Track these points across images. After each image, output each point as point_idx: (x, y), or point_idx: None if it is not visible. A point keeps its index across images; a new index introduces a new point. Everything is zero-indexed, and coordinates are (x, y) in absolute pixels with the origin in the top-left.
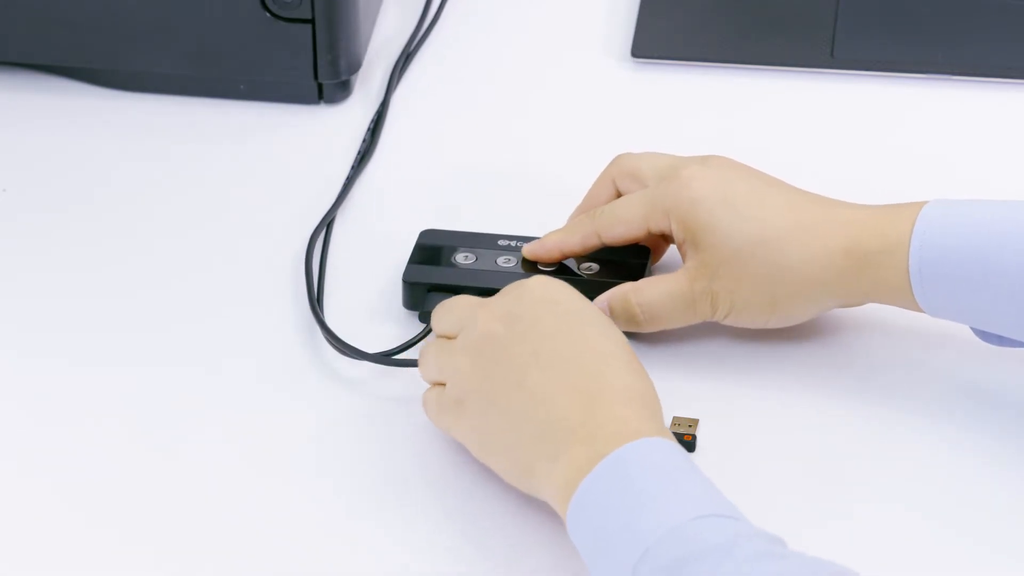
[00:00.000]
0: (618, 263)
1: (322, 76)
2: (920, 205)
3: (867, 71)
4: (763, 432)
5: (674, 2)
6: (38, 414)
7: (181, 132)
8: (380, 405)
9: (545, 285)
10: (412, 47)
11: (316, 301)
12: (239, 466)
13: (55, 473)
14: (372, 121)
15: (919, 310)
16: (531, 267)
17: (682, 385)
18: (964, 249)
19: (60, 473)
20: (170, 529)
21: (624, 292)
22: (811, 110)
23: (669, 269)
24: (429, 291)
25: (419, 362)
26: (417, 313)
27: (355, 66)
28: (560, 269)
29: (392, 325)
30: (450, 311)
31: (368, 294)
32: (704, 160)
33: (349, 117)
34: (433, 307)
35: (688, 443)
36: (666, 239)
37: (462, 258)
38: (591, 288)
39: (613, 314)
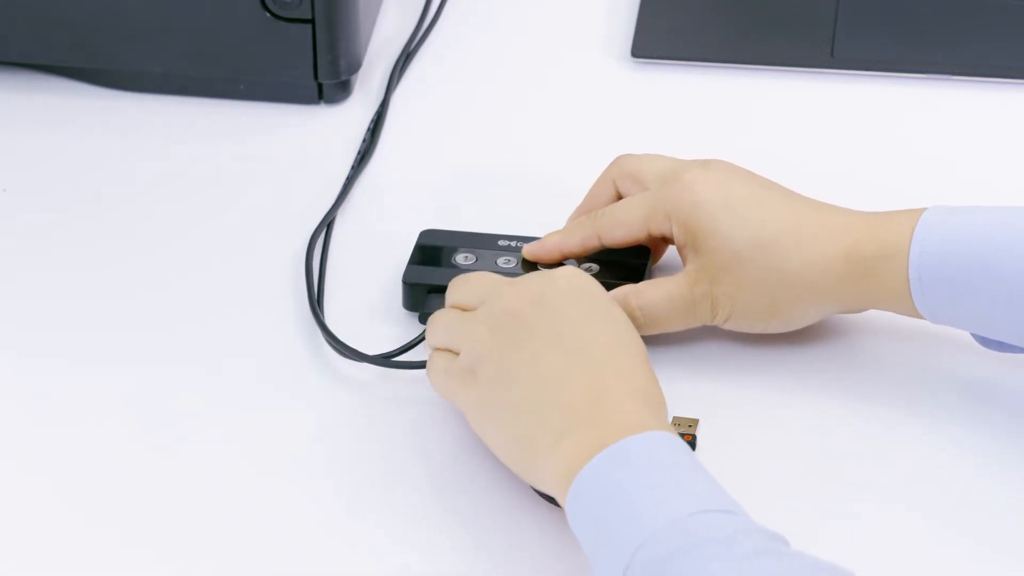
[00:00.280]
0: (618, 263)
1: (322, 76)
2: (920, 211)
3: (867, 71)
4: (763, 432)
5: (674, 2)
6: (38, 414)
7: (181, 132)
8: (380, 405)
9: (576, 275)
10: (412, 47)
11: (316, 302)
12: (239, 466)
13: (55, 473)
14: (372, 121)
15: (919, 316)
16: (531, 268)
17: (682, 385)
18: (964, 255)
19: (60, 473)
20: (170, 529)
21: (624, 294)
22: (811, 110)
23: (669, 269)
24: (429, 292)
25: (427, 328)
26: (417, 314)
27: (355, 66)
28: None
29: (392, 325)
30: (469, 283)
31: (368, 294)
32: (705, 163)
33: (349, 117)
34: (433, 309)
35: (688, 443)
36: (666, 240)
37: (462, 259)
38: None
39: None
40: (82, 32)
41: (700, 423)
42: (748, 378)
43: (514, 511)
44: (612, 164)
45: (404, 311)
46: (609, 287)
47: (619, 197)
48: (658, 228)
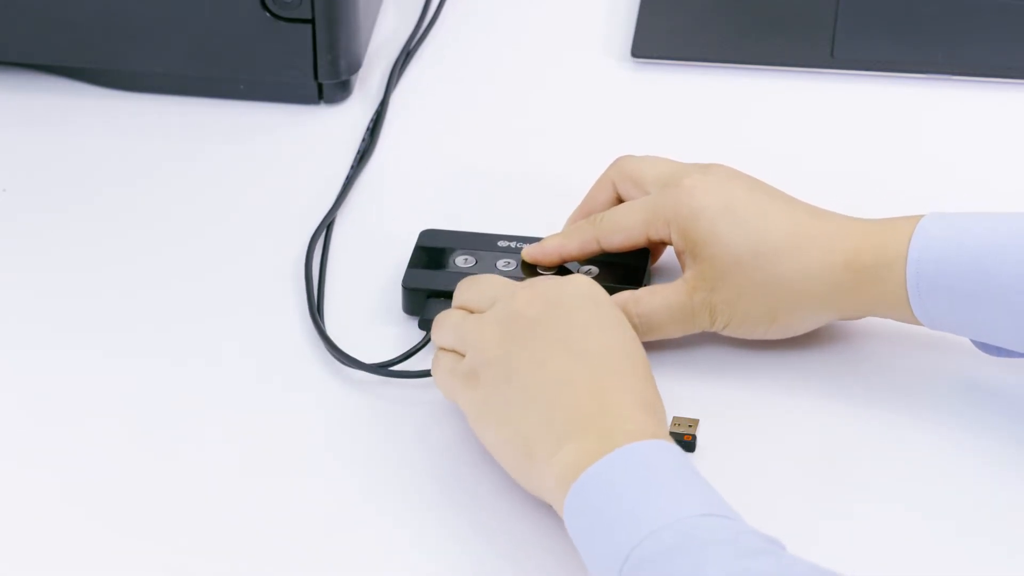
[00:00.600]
0: (617, 265)
1: (322, 76)
2: (917, 219)
3: (867, 71)
4: (763, 432)
5: (674, 2)
6: (38, 414)
7: (181, 132)
8: (381, 406)
9: (587, 284)
10: (411, 47)
11: (316, 308)
12: (239, 466)
13: (55, 472)
14: (371, 121)
15: (918, 323)
16: (530, 270)
17: (682, 386)
18: (961, 262)
19: (60, 472)
20: (170, 529)
21: (623, 301)
22: (811, 110)
23: (669, 269)
24: (428, 297)
25: (434, 328)
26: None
27: (355, 66)
28: (559, 271)
29: (392, 327)
30: (478, 285)
31: (368, 295)
32: (706, 168)
33: (349, 117)
34: (432, 314)
35: (688, 443)
36: (666, 243)
37: (462, 261)
38: None
39: None
40: (82, 32)
41: (700, 423)
42: (748, 379)
43: (516, 511)
44: (612, 166)
45: (404, 312)
46: (609, 290)
47: (618, 199)
48: (657, 233)
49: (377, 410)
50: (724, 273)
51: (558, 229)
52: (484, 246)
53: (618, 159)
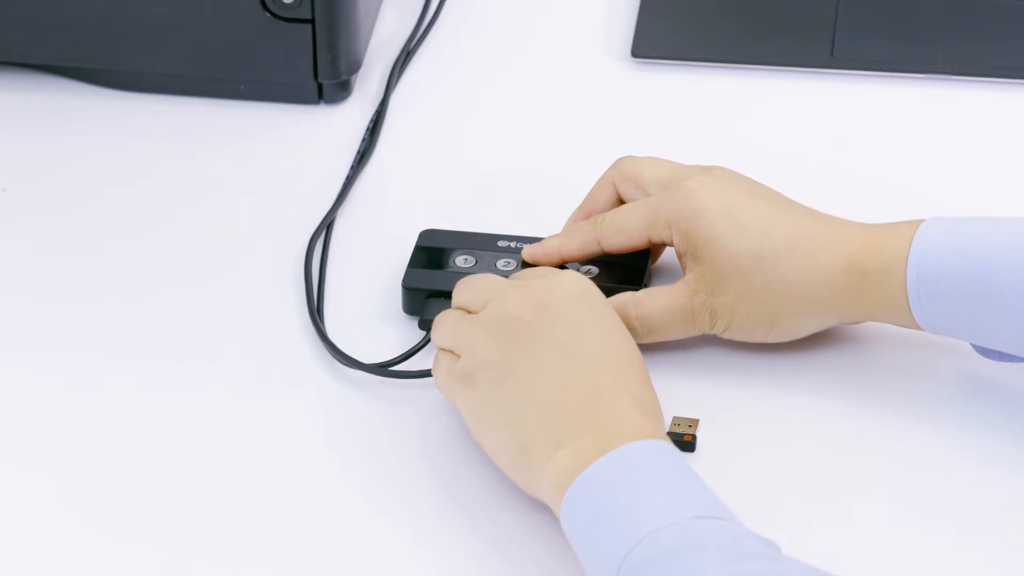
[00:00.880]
0: (617, 265)
1: (322, 76)
2: (918, 223)
3: (867, 71)
4: (763, 432)
5: (674, 2)
6: (38, 414)
7: (181, 132)
8: (380, 406)
9: (578, 281)
10: (411, 47)
11: (316, 308)
12: (239, 466)
13: (55, 471)
14: (371, 121)
15: (918, 328)
16: None
17: (682, 386)
18: (961, 267)
19: (60, 472)
20: (170, 529)
21: (623, 303)
22: (811, 110)
23: (669, 269)
24: (428, 297)
25: (433, 329)
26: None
27: (355, 66)
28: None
29: (393, 326)
30: (474, 285)
31: (368, 295)
32: (707, 170)
33: (349, 117)
34: (432, 314)
35: (688, 443)
36: (666, 244)
37: (462, 261)
38: None
39: None
40: (82, 32)
41: (700, 423)
42: (748, 380)
43: (518, 510)
44: (613, 166)
45: (404, 312)
46: (609, 290)
47: (619, 200)
48: (658, 235)
49: (377, 410)
50: (725, 276)
51: (558, 229)
52: (484, 246)
53: (619, 160)
